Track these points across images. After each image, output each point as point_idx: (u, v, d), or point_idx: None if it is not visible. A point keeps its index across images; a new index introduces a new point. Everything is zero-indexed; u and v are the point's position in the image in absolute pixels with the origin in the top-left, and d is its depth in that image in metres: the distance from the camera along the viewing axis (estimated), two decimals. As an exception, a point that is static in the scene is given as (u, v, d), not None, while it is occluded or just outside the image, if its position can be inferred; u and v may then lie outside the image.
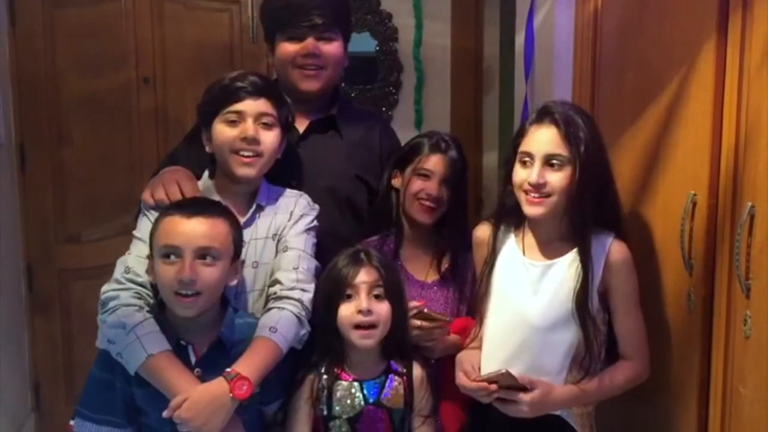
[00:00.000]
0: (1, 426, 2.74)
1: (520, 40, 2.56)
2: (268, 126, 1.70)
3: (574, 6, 2.16)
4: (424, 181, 1.84)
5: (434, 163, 1.84)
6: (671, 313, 1.64)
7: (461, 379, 1.62)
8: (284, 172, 1.86)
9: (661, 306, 1.67)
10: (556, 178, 1.55)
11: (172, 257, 1.52)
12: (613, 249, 1.60)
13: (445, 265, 1.88)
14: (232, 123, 1.68)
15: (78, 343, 3.06)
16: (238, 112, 1.68)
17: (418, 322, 1.73)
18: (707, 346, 1.49)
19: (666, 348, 1.65)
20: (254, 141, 1.67)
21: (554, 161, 1.55)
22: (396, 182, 1.91)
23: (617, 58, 1.95)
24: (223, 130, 1.68)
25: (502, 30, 3.28)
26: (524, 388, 1.54)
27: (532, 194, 1.56)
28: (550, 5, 2.32)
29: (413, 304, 1.73)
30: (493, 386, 1.55)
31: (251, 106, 1.68)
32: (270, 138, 1.70)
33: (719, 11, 1.43)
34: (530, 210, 1.58)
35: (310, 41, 1.90)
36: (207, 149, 1.74)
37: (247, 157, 1.68)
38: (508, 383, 1.54)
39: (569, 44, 2.18)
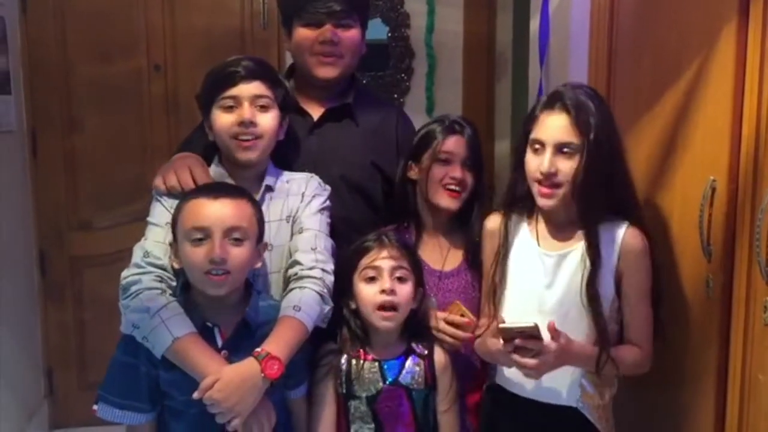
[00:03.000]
0: (15, 412, 2.76)
1: (534, 25, 2.53)
2: (264, 108, 1.70)
3: (591, -11, 2.13)
4: (445, 166, 1.81)
5: (453, 145, 1.81)
6: (689, 300, 1.62)
7: (491, 343, 1.56)
8: (296, 160, 1.85)
9: (679, 293, 1.65)
10: (567, 167, 1.53)
11: (201, 239, 1.52)
12: (627, 236, 1.58)
13: (463, 252, 1.86)
14: (229, 108, 1.68)
15: (90, 330, 3.08)
16: (234, 97, 1.68)
17: (443, 315, 1.73)
18: (726, 334, 1.47)
19: (684, 335, 1.63)
20: (251, 124, 1.67)
21: (566, 149, 1.53)
22: (413, 174, 1.87)
23: (634, 41, 1.92)
24: (220, 117, 1.69)
25: (516, 16, 3.26)
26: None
27: (544, 184, 1.55)
28: (565, -11, 2.29)
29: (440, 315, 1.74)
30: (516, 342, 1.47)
31: (245, 89, 1.68)
32: (267, 120, 1.70)
33: (740, -8, 1.41)
34: (542, 201, 1.58)
35: (328, 28, 1.87)
36: (210, 138, 1.74)
37: (247, 140, 1.68)
38: (530, 335, 1.46)
39: (585, 27, 2.15)
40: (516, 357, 1.48)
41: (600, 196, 1.55)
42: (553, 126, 1.54)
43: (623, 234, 1.58)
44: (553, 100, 1.56)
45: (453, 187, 1.81)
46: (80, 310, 3.10)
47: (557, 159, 1.53)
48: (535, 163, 1.56)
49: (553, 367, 1.50)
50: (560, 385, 1.60)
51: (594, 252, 1.55)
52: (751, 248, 1.37)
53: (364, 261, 1.66)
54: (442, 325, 1.73)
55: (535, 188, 1.57)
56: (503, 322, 1.54)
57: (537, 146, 1.56)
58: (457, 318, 1.73)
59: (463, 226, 1.87)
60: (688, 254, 1.60)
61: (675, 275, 1.66)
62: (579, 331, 1.57)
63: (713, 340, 1.50)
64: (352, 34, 1.92)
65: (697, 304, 1.58)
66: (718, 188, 1.47)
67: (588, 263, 1.56)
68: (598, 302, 1.55)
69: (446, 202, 1.82)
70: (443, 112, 2.95)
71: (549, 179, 1.54)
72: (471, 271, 1.85)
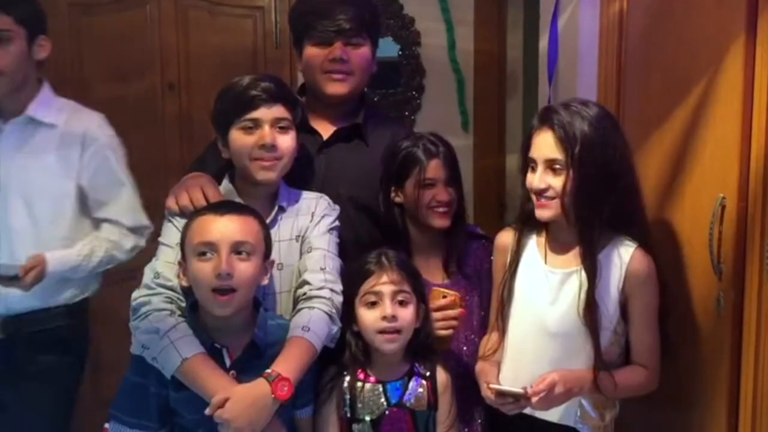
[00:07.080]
0: (29, 428, 2.76)
1: (543, 42, 2.55)
2: (284, 129, 1.71)
3: (599, 7, 2.14)
4: (430, 190, 1.83)
5: (434, 169, 1.84)
6: (700, 318, 1.62)
7: (486, 391, 1.60)
8: (305, 179, 1.86)
9: (689, 311, 1.65)
10: (557, 182, 1.56)
11: (208, 254, 1.53)
12: (634, 259, 1.58)
13: (453, 265, 1.89)
14: (249, 130, 1.69)
15: (104, 346, 3.06)
16: (255, 120, 1.68)
17: (436, 304, 1.74)
18: (737, 351, 1.47)
19: (695, 353, 1.63)
20: (273, 147, 1.68)
21: (555, 166, 1.56)
22: (398, 199, 1.88)
23: (643, 60, 1.93)
24: (240, 138, 1.69)
25: (526, 33, 3.27)
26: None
27: (539, 199, 1.59)
28: (574, 7, 2.31)
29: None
30: (510, 400, 1.54)
31: (267, 113, 1.68)
32: (287, 141, 1.71)
33: (748, 10, 1.42)
34: (539, 213, 1.61)
35: (337, 46, 1.89)
36: (224, 155, 1.75)
37: (267, 161, 1.69)
38: (520, 397, 1.52)
39: (594, 46, 2.16)
40: (506, 409, 1.56)
41: (595, 211, 1.56)
42: (541, 144, 1.58)
43: (630, 257, 1.58)
44: (542, 119, 1.59)
45: (441, 209, 1.84)
46: (94, 326, 3.10)
47: (547, 175, 1.57)
48: (530, 180, 1.60)
49: (563, 402, 1.54)
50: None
51: (590, 266, 1.56)
52: (762, 265, 1.37)
53: (365, 286, 1.65)
54: (432, 314, 1.73)
55: (534, 201, 1.61)
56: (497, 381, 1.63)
57: (532, 164, 1.61)
58: (441, 301, 1.74)
59: (453, 237, 1.89)
60: (699, 272, 1.60)
61: (685, 293, 1.66)
62: (582, 349, 1.58)
63: (724, 358, 1.50)
64: (362, 52, 1.93)
65: (708, 322, 1.58)
66: (728, 206, 1.48)
67: (584, 278, 1.56)
68: (594, 318, 1.56)
69: (439, 222, 1.85)
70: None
71: (541, 194, 1.58)
72: (464, 280, 1.88)
